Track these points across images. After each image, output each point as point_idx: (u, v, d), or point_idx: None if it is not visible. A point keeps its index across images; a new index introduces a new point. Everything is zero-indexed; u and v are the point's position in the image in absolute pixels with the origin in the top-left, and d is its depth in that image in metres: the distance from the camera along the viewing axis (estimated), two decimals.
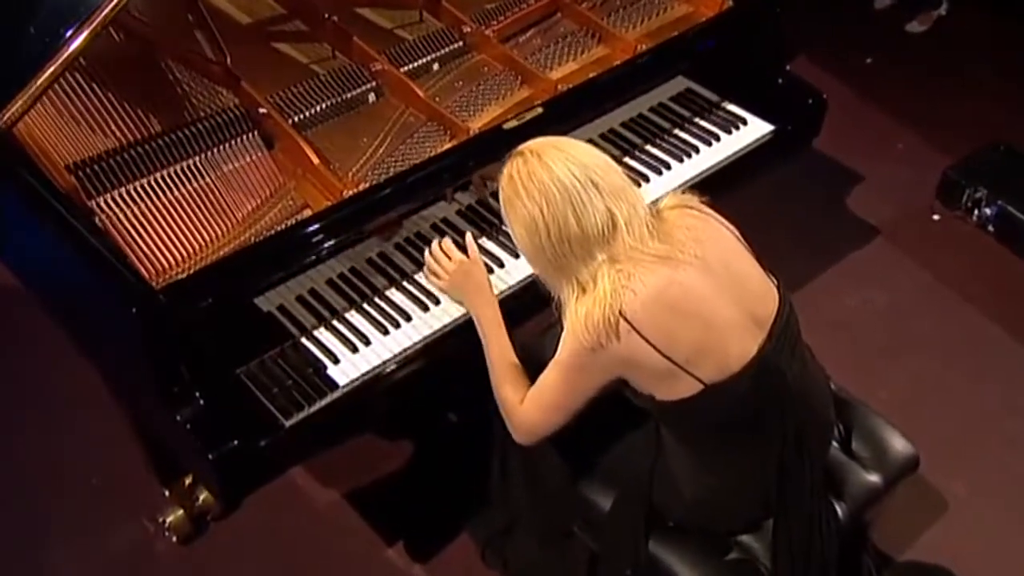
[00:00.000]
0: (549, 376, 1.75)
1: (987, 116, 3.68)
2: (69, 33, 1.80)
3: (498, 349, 1.86)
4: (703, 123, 2.43)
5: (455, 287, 1.95)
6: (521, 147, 1.70)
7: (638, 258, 1.63)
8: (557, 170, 1.62)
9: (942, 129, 3.66)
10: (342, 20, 2.28)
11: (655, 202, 1.77)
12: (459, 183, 2.08)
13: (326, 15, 2.28)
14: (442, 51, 2.30)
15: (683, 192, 1.79)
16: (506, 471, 2.15)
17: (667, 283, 1.63)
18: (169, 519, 2.39)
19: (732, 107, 2.47)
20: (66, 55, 1.81)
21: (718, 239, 1.73)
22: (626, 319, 1.61)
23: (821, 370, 1.92)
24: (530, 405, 1.79)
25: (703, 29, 2.38)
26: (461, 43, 2.33)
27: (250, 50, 2.23)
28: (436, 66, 2.29)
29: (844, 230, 3.31)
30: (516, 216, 1.67)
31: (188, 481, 2.40)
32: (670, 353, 1.63)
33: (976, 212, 3.31)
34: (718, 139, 2.39)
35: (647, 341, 1.62)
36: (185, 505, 2.40)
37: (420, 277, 2.04)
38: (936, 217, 3.38)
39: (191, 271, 1.79)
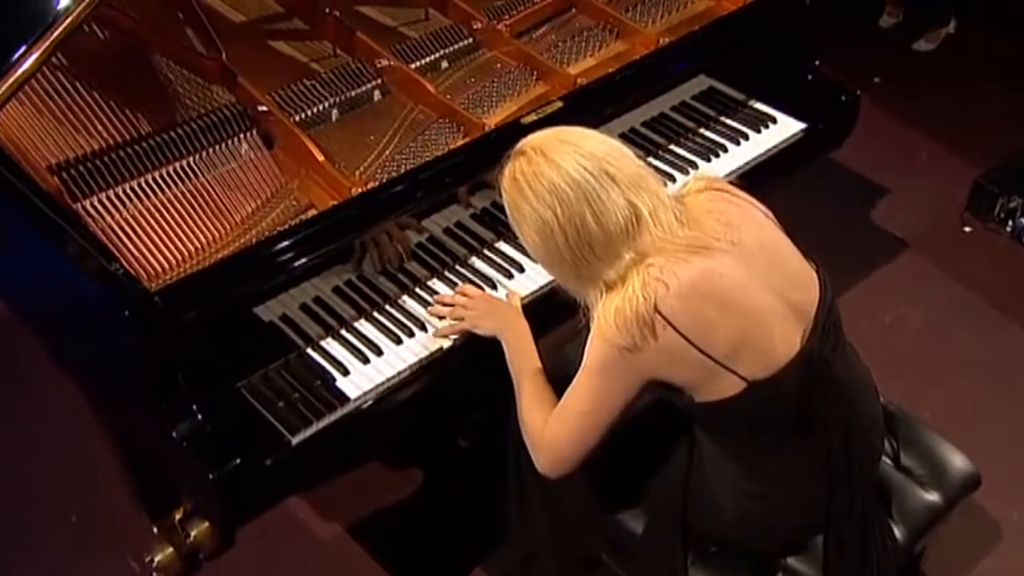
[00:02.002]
0: (575, 387, 1.66)
1: (1005, 131, 3.65)
2: (34, 39, 1.73)
3: (527, 374, 1.77)
4: (729, 121, 2.39)
5: (481, 314, 1.87)
6: (521, 144, 1.61)
7: (669, 250, 1.55)
8: (566, 166, 1.54)
9: (961, 143, 3.63)
10: (343, 17, 2.23)
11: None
12: (476, 182, 2.01)
13: (327, 9, 2.22)
14: (451, 48, 2.26)
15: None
16: (523, 498, 2.05)
17: (703, 273, 1.55)
18: (158, 558, 2.28)
19: (759, 105, 2.43)
20: (35, 56, 1.74)
21: (752, 222, 1.66)
22: (661, 314, 1.53)
23: (866, 371, 1.85)
24: (556, 423, 1.69)
25: (730, 21, 2.33)
26: (471, 40, 2.29)
27: (245, 49, 2.17)
28: (445, 63, 2.24)
29: (872, 245, 3.26)
30: (526, 222, 1.59)
31: (179, 516, 2.30)
32: (709, 349, 1.55)
33: (1011, 223, 3.26)
34: (747, 137, 2.34)
35: (684, 337, 1.54)
36: (175, 542, 2.29)
37: (434, 284, 1.98)
38: (967, 229, 3.33)
39: (188, 273, 1.72)
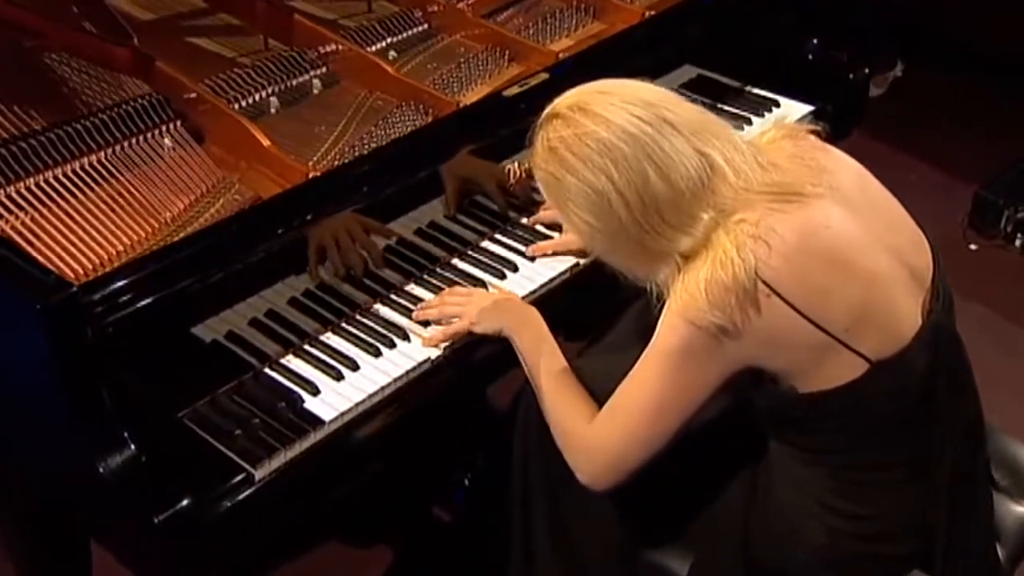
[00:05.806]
0: (638, 377, 1.44)
1: (980, 161, 3.58)
2: None
3: (552, 369, 1.57)
4: (728, 108, 2.26)
5: (479, 310, 1.67)
6: (552, 107, 1.42)
7: (756, 201, 1.36)
8: (616, 119, 1.35)
9: (948, 167, 3.62)
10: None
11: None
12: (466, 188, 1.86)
13: None
14: (403, 35, 2.12)
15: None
16: (530, 550, 1.80)
17: (806, 225, 1.36)
18: None
19: (757, 90, 2.32)
20: None
21: (849, 169, 1.49)
22: (764, 280, 1.33)
23: None
24: (606, 422, 1.48)
25: None
26: (426, 25, 2.16)
27: (159, 46, 1.96)
28: (392, 53, 2.08)
29: None
30: (573, 199, 1.39)
31: None
32: (824, 322, 1.35)
33: (1019, 236, 3.21)
34: (750, 123, 2.23)
35: (794, 308, 1.34)
36: None
37: (412, 289, 1.77)
38: (973, 247, 3.27)
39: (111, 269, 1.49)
